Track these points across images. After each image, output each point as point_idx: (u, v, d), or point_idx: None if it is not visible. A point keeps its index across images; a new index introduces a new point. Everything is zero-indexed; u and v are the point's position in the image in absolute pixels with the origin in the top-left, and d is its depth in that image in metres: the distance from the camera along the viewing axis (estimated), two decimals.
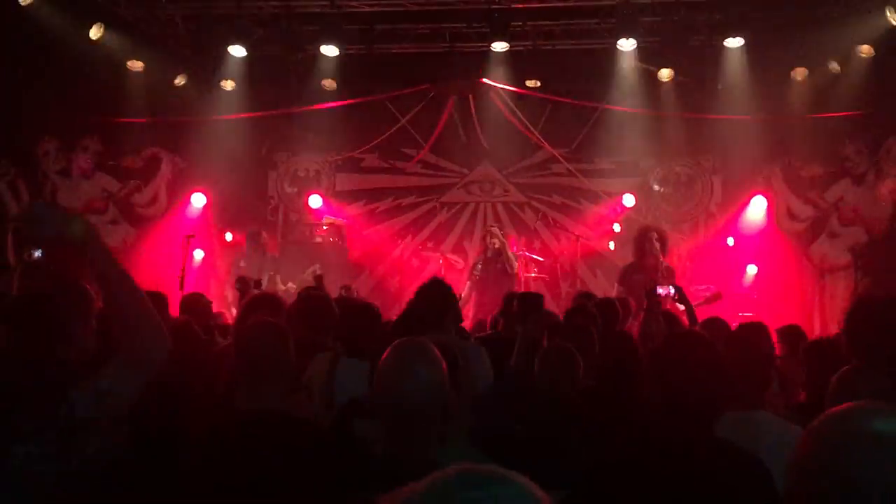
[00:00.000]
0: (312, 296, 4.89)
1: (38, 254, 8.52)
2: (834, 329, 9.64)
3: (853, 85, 9.90)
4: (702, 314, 6.53)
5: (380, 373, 2.40)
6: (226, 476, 2.36)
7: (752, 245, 10.79)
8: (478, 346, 4.40)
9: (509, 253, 9.17)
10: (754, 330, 4.95)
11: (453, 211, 11.87)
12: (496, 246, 9.13)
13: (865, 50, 9.63)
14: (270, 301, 4.49)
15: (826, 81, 10.14)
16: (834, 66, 9.94)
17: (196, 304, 5.71)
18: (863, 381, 2.61)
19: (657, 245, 7.68)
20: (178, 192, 11.76)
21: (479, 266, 9.22)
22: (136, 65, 10.77)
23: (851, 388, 2.57)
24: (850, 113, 10.12)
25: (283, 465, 2.36)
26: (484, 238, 9.49)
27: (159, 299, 4.81)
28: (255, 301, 4.56)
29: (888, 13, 8.91)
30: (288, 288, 9.16)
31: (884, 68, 9.58)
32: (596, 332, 4.57)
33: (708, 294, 8.04)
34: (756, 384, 2.88)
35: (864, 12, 9.35)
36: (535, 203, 11.68)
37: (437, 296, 4.35)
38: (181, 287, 8.39)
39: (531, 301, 5.22)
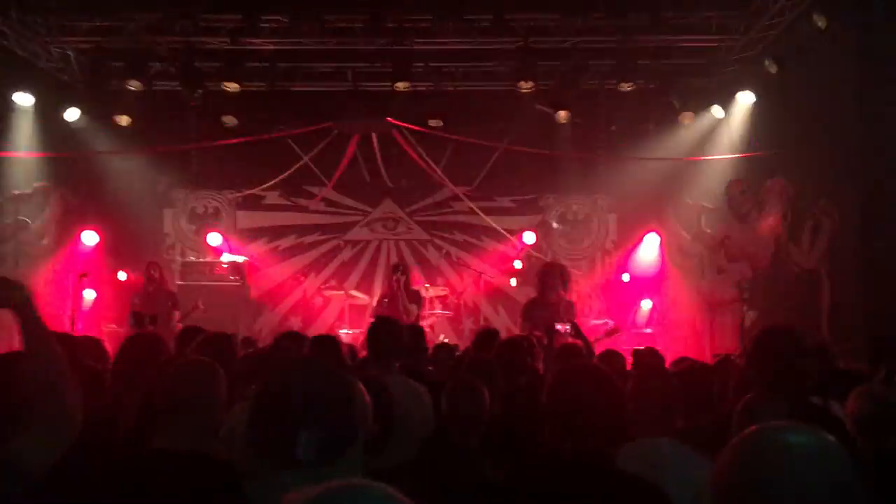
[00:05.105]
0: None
1: None
2: None
3: (736, 129, 10.52)
4: (600, 348, 6.75)
5: None
6: None
7: (646, 281, 11.20)
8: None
9: (407, 304, 9.18)
10: (651, 355, 5.17)
11: (357, 249, 11.86)
12: (395, 290, 9.19)
13: (747, 97, 10.26)
14: (149, 341, 4.20)
15: (711, 125, 10.73)
16: (718, 111, 10.53)
17: (90, 349, 5.45)
18: (764, 406, 2.78)
19: (559, 282, 7.85)
20: (68, 230, 11.28)
21: (386, 301, 9.23)
22: (25, 98, 10.34)
23: (754, 413, 2.74)
24: (733, 155, 10.71)
25: None
26: (390, 277, 9.52)
27: (97, 345, 4.60)
28: (133, 341, 4.24)
29: (767, 63, 9.51)
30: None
31: (764, 113, 10.21)
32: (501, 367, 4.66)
33: (607, 329, 8.29)
34: (660, 411, 2.99)
35: (747, 62, 9.99)
36: (437, 241, 11.81)
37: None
38: (72, 328, 8.06)
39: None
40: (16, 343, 2.44)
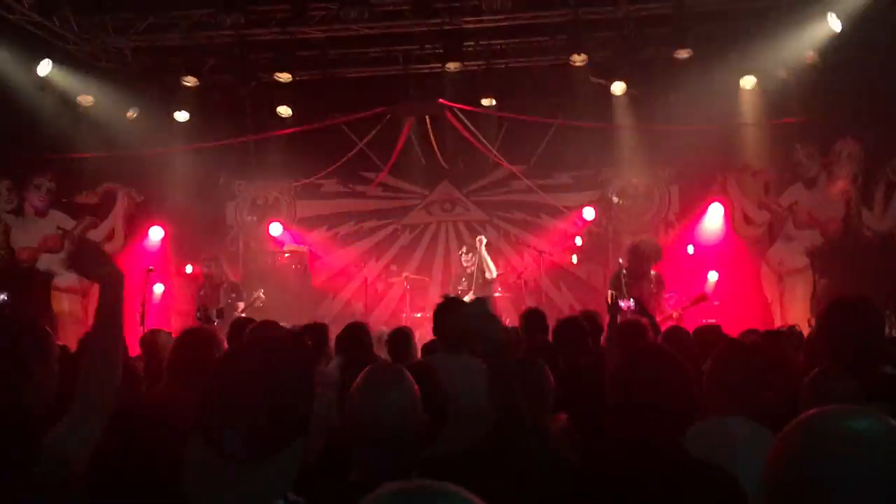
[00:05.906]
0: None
1: (2, 297, 8.45)
2: None
3: (800, 91, 10.11)
4: (687, 316, 6.74)
5: (351, 397, 2.37)
6: None
7: (712, 252, 10.93)
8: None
9: (488, 263, 9.55)
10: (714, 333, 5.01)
11: (415, 232, 11.87)
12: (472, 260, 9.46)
13: (810, 56, 9.84)
14: (203, 337, 4.15)
15: (774, 88, 10.34)
16: (781, 73, 10.14)
17: (157, 341, 5.57)
18: (831, 383, 2.65)
19: (652, 260, 7.86)
20: (135, 227, 11.59)
21: (464, 281, 9.44)
22: (86, 99, 10.60)
23: (821, 390, 2.61)
24: (798, 119, 10.34)
25: None
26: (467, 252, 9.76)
27: (167, 338, 4.68)
28: (186, 337, 4.25)
29: (830, 20, 9.12)
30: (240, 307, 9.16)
31: (829, 73, 9.80)
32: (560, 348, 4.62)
33: (694, 297, 8.20)
34: (733, 390, 2.85)
35: (808, 21, 9.58)
36: (496, 220, 11.73)
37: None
38: (142, 323, 8.26)
39: None
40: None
